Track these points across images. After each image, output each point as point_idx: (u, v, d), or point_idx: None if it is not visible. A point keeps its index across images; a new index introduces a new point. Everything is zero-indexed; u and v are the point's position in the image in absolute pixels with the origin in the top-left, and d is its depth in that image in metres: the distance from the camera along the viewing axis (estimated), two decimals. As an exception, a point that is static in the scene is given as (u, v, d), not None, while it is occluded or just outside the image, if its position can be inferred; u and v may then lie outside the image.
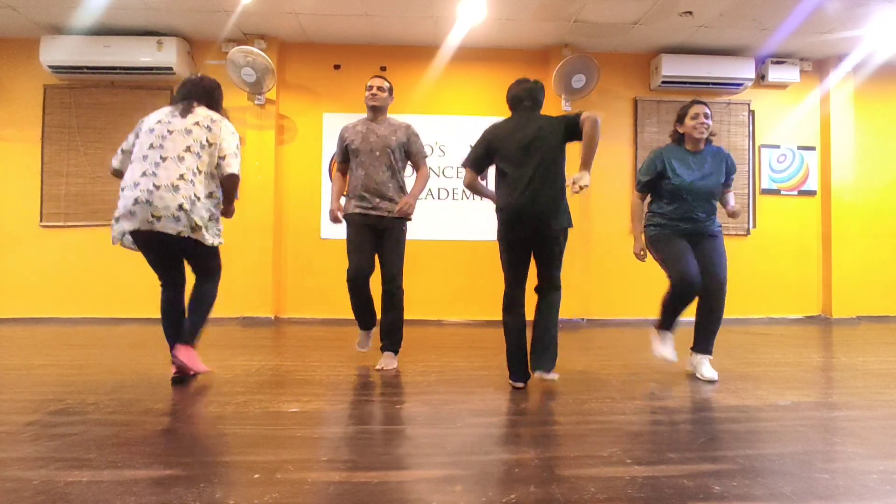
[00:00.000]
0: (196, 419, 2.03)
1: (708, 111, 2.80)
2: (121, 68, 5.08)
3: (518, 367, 2.57)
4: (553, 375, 2.48)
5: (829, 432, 1.93)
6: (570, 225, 2.56)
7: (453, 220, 5.57)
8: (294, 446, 1.73)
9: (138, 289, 5.04)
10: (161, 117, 2.48)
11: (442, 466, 1.57)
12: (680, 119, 2.87)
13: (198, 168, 2.43)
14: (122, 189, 2.40)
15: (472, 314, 5.48)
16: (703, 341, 2.83)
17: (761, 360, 3.33)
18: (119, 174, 2.56)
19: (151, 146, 2.40)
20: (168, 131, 2.42)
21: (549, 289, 2.61)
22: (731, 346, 3.92)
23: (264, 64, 5.01)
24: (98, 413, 2.07)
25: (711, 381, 2.71)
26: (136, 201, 2.32)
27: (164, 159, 2.36)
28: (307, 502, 1.33)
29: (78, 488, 1.37)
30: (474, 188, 2.77)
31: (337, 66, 5.55)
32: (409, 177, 3.33)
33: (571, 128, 2.50)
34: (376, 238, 3.06)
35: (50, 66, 5.06)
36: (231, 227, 5.36)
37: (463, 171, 5.58)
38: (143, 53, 5.03)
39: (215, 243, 2.54)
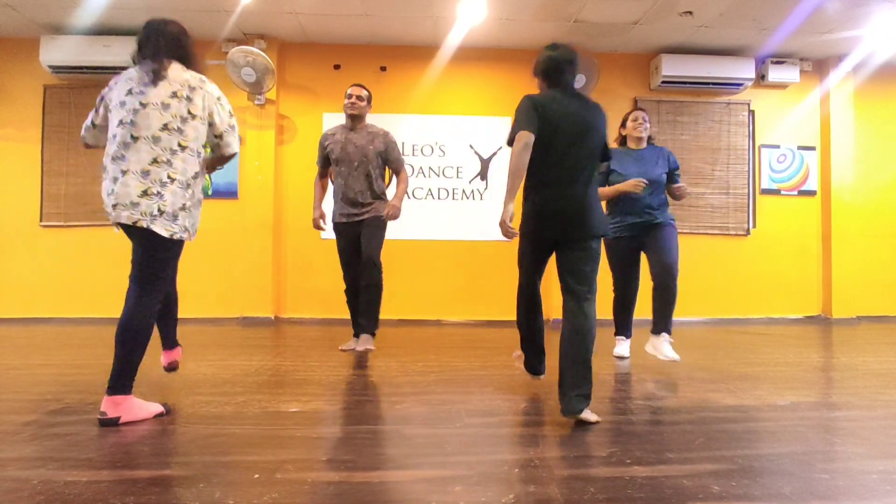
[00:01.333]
0: (195, 419, 2.02)
1: (646, 116, 3.27)
2: (121, 68, 4.96)
3: (536, 360, 2.52)
4: (591, 416, 1.98)
5: (829, 432, 1.93)
6: (606, 233, 2.24)
7: (453, 220, 5.57)
8: (293, 446, 1.73)
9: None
10: (132, 86, 2.06)
11: (441, 466, 1.57)
12: (623, 124, 3.31)
13: (179, 144, 2.05)
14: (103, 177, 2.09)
15: (471, 314, 5.48)
16: (658, 322, 3.00)
17: (761, 360, 3.33)
18: (90, 148, 2.30)
19: (121, 122, 2.01)
20: (141, 104, 2.01)
21: (576, 303, 2.13)
22: (730, 345, 3.93)
23: (264, 64, 5.01)
24: (97, 413, 2.06)
25: (674, 361, 2.90)
26: (105, 192, 2.01)
27: (135, 139, 1.99)
28: (306, 502, 1.33)
29: (77, 488, 1.37)
30: (526, 156, 2.14)
31: (337, 66, 5.55)
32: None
33: (605, 154, 2.30)
34: (359, 236, 3.30)
35: (50, 66, 5.06)
36: (231, 227, 5.39)
37: (461, 171, 5.61)
38: (142, 53, 5.02)
39: (179, 236, 2.06)
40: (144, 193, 1.98)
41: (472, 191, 5.62)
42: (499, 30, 5.17)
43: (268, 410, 2.13)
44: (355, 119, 3.31)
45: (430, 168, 5.60)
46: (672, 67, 5.40)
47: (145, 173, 1.98)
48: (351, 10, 4.81)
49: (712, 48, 5.46)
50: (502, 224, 2.20)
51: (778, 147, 5.83)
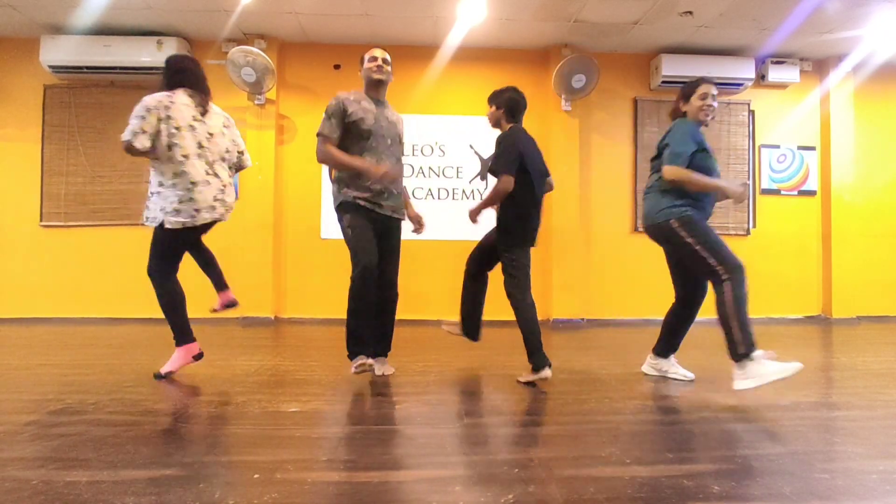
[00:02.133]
0: (195, 419, 2.02)
1: (716, 92, 2.53)
2: (121, 68, 5.08)
3: (544, 354, 2.61)
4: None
5: (829, 432, 1.93)
6: None
7: (453, 220, 5.56)
8: (293, 446, 1.73)
9: (138, 289, 5.03)
10: (195, 113, 2.64)
11: (441, 466, 1.57)
12: (685, 97, 2.58)
13: (230, 165, 2.85)
14: (194, 183, 2.58)
15: (471, 314, 5.47)
16: (678, 343, 2.79)
17: (761, 360, 3.32)
18: (138, 154, 2.52)
19: (200, 146, 2.64)
20: (209, 134, 2.68)
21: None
22: (730, 346, 3.92)
23: (264, 64, 5.01)
24: (98, 413, 2.07)
25: (692, 381, 2.69)
26: (215, 198, 2.66)
27: (213, 162, 2.69)
28: (306, 502, 1.33)
29: (77, 488, 1.37)
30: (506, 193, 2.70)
31: (337, 66, 5.55)
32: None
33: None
34: (381, 233, 2.71)
35: (50, 66, 5.06)
36: (231, 227, 5.35)
37: (461, 171, 5.62)
38: (143, 53, 5.03)
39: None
40: (230, 198, 2.79)
41: (472, 191, 5.62)
42: (499, 30, 5.17)
43: (268, 410, 2.14)
44: (381, 86, 2.73)
45: (430, 168, 5.60)
46: (672, 67, 5.40)
47: (229, 185, 2.77)
48: (351, 10, 4.81)
49: (712, 48, 5.46)
50: (478, 213, 2.92)
51: (778, 147, 5.83)
